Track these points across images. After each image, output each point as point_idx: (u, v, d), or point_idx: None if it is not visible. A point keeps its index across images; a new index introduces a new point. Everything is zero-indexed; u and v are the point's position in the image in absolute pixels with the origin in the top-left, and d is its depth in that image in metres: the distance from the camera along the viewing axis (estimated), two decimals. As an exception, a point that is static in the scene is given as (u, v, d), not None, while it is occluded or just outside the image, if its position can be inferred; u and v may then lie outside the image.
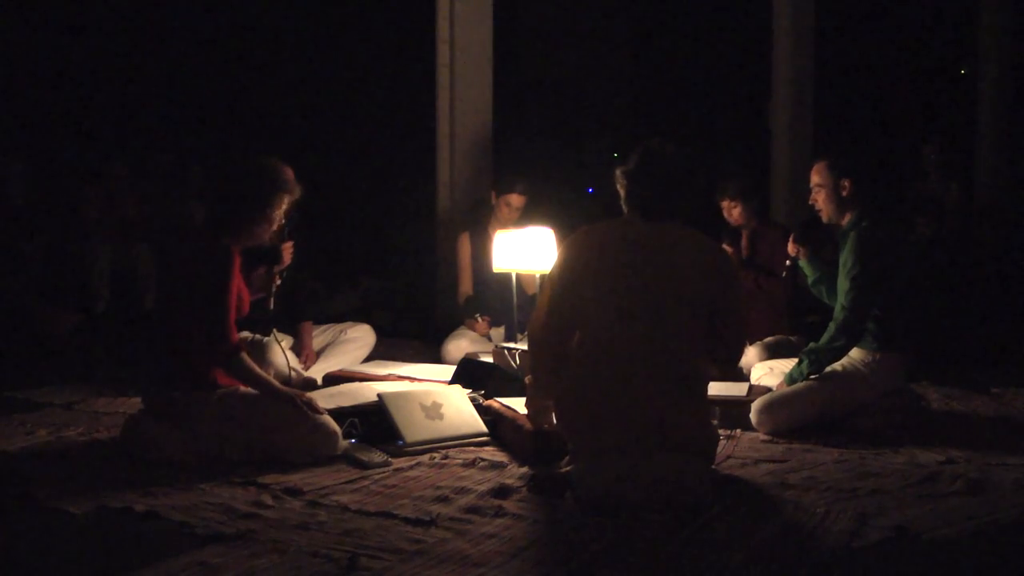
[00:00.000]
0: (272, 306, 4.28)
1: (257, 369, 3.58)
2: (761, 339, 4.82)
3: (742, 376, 4.59)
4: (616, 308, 3.06)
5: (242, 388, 3.54)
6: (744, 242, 5.18)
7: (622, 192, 3.28)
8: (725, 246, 4.98)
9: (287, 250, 4.47)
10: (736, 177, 5.17)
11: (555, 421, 3.29)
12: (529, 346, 3.40)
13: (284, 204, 3.67)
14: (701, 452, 3.03)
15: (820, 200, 4.06)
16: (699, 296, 3.09)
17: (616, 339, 3.04)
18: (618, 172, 3.29)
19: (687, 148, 3.33)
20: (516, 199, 5.51)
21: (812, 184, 4.08)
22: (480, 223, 5.72)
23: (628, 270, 3.09)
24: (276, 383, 3.64)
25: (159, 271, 3.63)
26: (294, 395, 3.52)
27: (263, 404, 3.50)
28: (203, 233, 3.60)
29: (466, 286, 5.67)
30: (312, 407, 3.47)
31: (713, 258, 3.20)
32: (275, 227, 3.72)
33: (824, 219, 4.10)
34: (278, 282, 4.31)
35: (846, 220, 4.02)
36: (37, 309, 6.33)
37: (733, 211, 5.14)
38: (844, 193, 4.00)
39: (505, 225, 5.40)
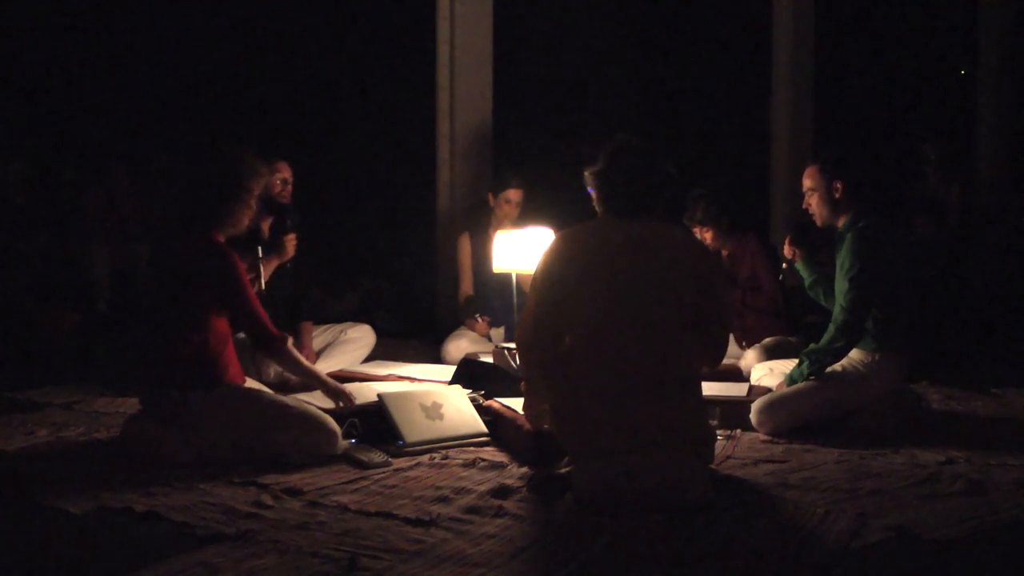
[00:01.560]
0: (263, 286, 4.27)
1: (305, 360, 3.82)
2: (759, 341, 4.81)
3: (742, 377, 4.59)
4: (602, 311, 3.04)
5: (242, 388, 3.55)
6: (725, 260, 5.09)
7: (593, 193, 3.24)
8: None
9: (290, 242, 4.48)
10: (701, 200, 4.99)
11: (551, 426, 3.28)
12: (519, 354, 3.39)
13: (260, 186, 3.68)
14: (699, 450, 3.02)
15: (814, 203, 4.06)
16: (684, 292, 3.06)
17: (605, 342, 3.02)
18: (587, 174, 3.25)
19: (653, 141, 3.28)
20: (514, 193, 5.51)
21: (804, 188, 4.08)
22: (480, 224, 5.72)
23: (611, 272, 3.07)
24: (323, 375, 3.85)
25: (152, 271, 3.66)
26: (340, 390, 3.73)
27: (263, 404, 3.51)
28: (191, 231, 3.58)
29: (467, 286, 5.68)
30: (350, 401, 3.71)
31: (696, 253, 3.17)
32: (253, 212, 3.71)
33: (819, 223, 4.09)
34: (263, 263, 4.30)
35: (842, 222, 4.01)
36: (37, 309, 6.33)
37: (705, 236, 5.00)
38: (837, 195, 3.99)
39: (504, 223, 5.41)
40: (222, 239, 3.59)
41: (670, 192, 3.26)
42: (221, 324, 3.56)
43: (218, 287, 3.50)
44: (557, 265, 3.17)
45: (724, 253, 5.12)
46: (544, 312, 3.17)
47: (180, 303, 3.52)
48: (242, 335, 4.29)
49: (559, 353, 3.10)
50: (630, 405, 2.95)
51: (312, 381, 3.77)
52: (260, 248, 4.34)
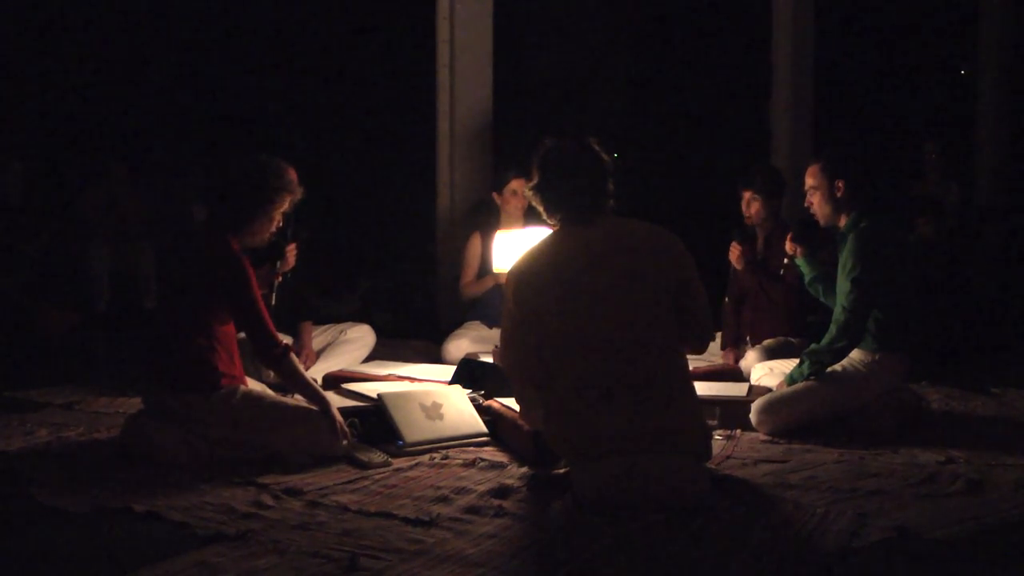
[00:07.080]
0: (273, 302, 4.28)
1: (304, 373, 3.64)
2: (761, 341, 4.79)
3: (742, 377, 4.59)
4: (585, 324, 3.01)
5: (243, 388, 3.55)
6: (760, 243, 4.96)
7: (540, 207, 3.19)
8: (734, 243, 4.82)
9: (291, 252, 4.48)
10: (765, 171, 4.88)
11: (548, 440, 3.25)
12: (508, 376, 3.35)
13: (285, 204, 3.68)
14: (696, 448, 3.01)
15: (815, 202, 4.05)
16: (660, 287, 3.04)
17: (592, 353, 2.99)
18: (528, 191, 3.22)
19: (583, 139, 3.19)
20: (518, 184, 5.48)
21: (807, 186, 4.07)
22: (490, 223, 5.69)
23: (586, 283, 3.03)
24: (319, 389, 3.62)
25: (162, 271, 3.65)
26: (330, 407, 3.50)
27: (263, 404, 3.51)
28: (208, 234, 3.60)
29: (469, 280, 5.67)
30: (340, 428, 3.47)
31: (663, 243, 3.11)
32: (275, 226, 3.72)
33: (820, 221, 4.08)
34: (279, 280, 4.31)
35: (843, 221, 4.01)
36: (37, 309, 6.34)
37: (752, 205, 4.87)
38: (839, 194, 3.98)
39: (515, 217, 5.41)
40: (237, 247, 3.57)
41: (616, 182, 3.17)
42: (228, 327, 3.57)
43: (226, 294, 3.50)
44: (528, 287, 3.10)
45: (760, 238, 4.95)
46: (522, 336, 3.12)
47: (187, 305, 3.52)
48: (242, 335, 4.31)
49: (547, 366, 3.06)
50: (624, 410, 2.93)
51: (308, 398, 3.55)
52: (278, 263, 4.33)
